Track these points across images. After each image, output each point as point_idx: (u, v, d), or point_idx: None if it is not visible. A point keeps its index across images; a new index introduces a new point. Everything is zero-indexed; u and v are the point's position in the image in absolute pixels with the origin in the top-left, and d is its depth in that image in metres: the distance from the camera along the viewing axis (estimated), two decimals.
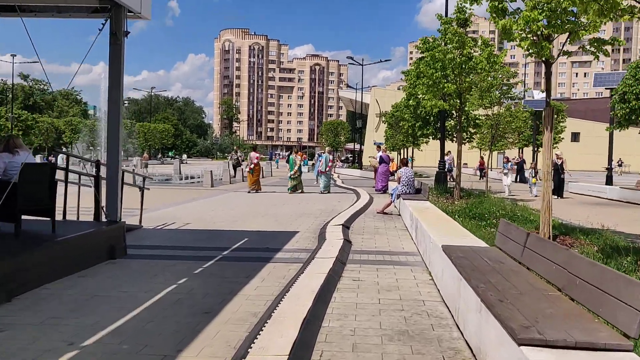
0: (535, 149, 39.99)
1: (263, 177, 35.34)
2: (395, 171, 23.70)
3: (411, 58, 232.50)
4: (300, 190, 21.41)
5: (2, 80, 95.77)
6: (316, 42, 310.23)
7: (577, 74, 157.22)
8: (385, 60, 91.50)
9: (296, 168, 21.63)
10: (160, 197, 18.95)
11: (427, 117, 22.83)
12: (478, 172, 43.32)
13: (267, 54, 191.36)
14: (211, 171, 25.39)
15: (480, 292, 4.25)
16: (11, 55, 56.69)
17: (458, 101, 17.60)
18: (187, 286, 6.44)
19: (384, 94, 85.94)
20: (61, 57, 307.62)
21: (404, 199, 13.07)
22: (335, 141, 64.45)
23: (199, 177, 28.43)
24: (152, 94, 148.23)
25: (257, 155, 21.83)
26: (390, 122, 41.51)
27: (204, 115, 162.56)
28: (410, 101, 22.64)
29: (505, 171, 20.67)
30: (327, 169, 21.89)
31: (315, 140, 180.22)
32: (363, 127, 62.00)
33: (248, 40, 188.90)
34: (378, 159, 26.51)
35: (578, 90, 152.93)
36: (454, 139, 23.59)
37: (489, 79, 15.72)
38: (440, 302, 5.94)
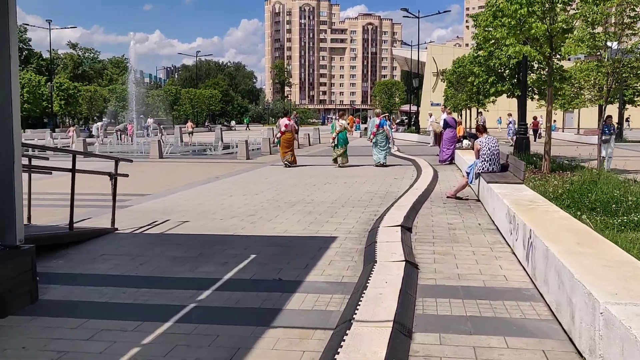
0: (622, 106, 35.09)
1: (310, 144, 31.87)
2: (464, 137, 19.73)
3: (467, 14, 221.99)
4: (338, 164, 17.75)
5: (53, 50, 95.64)
6: (369, 2, 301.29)
7: None
8: (445, 12, 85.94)
9: (334, 135, 17.95)
10: (178, 176, 15.74)
11: (502, 71, 18.67)
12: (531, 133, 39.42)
13: (318, 15, 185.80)
14: (246, 141, 21.99)
15: None
16: (47, 20, 54.58)
17: (548, 48, 13.46)
18: None
19: (442, 51, 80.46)
20: (119, 26, 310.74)
21: (487, 181, 9.26)
22: (390, 103, 60.04)
23: (236, 147, 25.14)
24: (203, 59, 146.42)
25: (287, 122, 18.17)
26: (452, 80, 37.02)
27: (255, 80, 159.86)
28: (481, 52, 18.47)
29: (606, 137, 15.77)
30: (372, 135, 18.09)
31: (369, 103, 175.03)
32: (419, 87, 57.32)
33: (298, 1, 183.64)
34: (442, 123, 22.53)
35: None
36: (534, 96, 19.35)
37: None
38: None
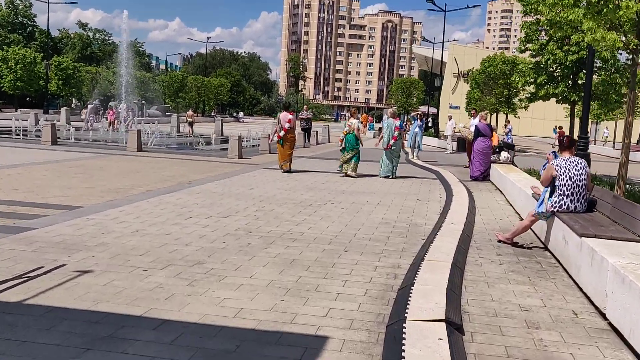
0: None
1: (317, 144, 28.52)
2: (499, 148, 16.24)
3: (489, 18, 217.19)
4: (345, 173, 14.36)
5: (63, 29, 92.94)
6: (389, 1, 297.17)
7: None
8: (474, 6, 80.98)
9: (341, 136, 14.58)
10: (143, 177, 12.38)
11: (554, 70, 15.15)
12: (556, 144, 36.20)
13: (338, 9, 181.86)
14: (239, 136, 18.55)
15: None
16: None
17: (635, 37, 9.97)
18: None
19: (464, 52, 76.76)
20: (139, 11, 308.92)
21: (579, 234, 5.78)
22: (407, 102, 56.39)
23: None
24: (217, 48, 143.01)
25: (291, 117, 14.75)
26: (479, 81, 33.46)
27: (269, 72, 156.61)
28: (530, 45, 14.95)
29: None
30: (393, 140, 14.67)
31: (384, 102, 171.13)
32: (440, 87, 53.69)
33: None
34: (472, 129, 19.02)
35: None
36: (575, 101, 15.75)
37: None
38: None
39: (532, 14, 15.28)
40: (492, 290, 5.37)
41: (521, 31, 15.52)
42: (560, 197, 6.79)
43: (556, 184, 6.91)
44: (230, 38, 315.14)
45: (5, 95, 57.34)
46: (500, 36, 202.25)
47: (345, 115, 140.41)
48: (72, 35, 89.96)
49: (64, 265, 5.49)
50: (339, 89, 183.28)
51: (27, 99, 62.95)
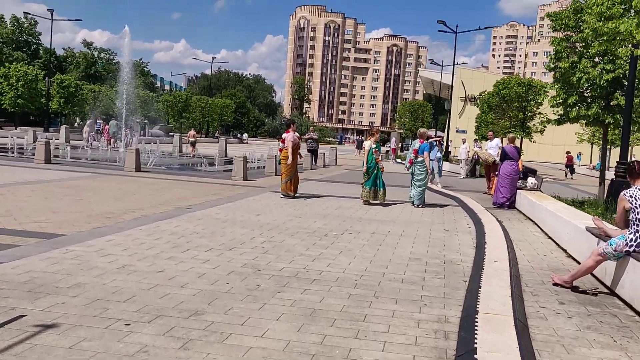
0: None
1: (325, 165, 27.39)
2: (524, 173, 15.08)
3: (494, 43, 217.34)
4: (369, 199, 13.11)
5: (68, 48, 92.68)
6: (394, 26, 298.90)
7: None
8: (485, 28, 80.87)
9: (365, 162, 13.29)
10: (139, 200, 11.19)
11: (584, 90, 14.02)
12: (567, 170, 35.22)
13: (343, 33, 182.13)
14: (244, 157, 17.40)
15: None
16: (48, 10, 50.75)
17: None
18: None
19: (472, 76, 76.07)
20: (146, 33, 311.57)
21: None
22: (415, 125, 55.33)
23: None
24: (222, 69, 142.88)
25: (295, 135, 13.48)
26: (492, 104, 32.41)
27: (274, 95, 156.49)
28: (561, 63, 13.84)
29: None
30: (409, 164, 13.46)
31: (389, 125, 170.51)
32: (449, 110, 52.71)
33: (324, 17, 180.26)
34: (493, 152, 17.94)
35: None
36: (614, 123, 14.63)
37: None
38: None
39: (562, 30, 14.25)
40: (574, 358, 4.14)
41: (550, 46, 14.39)
42: (638, 234, 5.59)
43: (630, 217, 5.72)
44: (235, 60, 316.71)
45: (6, 113, 56.52)
46: (505, 61, 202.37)
47: (348, 138, 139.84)
48: (76, 54, 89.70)
49: (22, 316, 4.29)
50: (344, 112, 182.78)
51: (31, 117, 62.16)
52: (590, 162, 45.85)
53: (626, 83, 13.86)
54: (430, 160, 14.24)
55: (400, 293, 5.58)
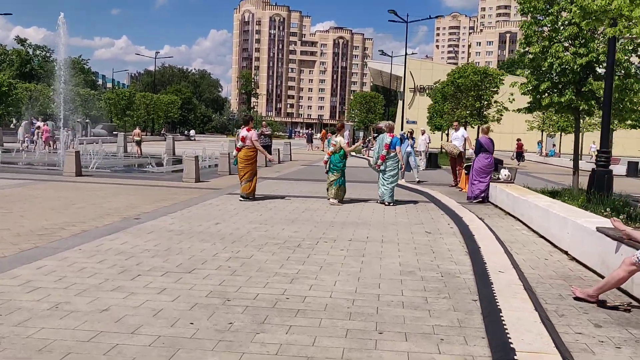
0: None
1: (279, 162, 26.21)
2: (497, 165, 14.39)
3: (438, 34, 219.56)
4: (330, 198, 12.12)
5: (0, 45, 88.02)
6: (339, 18, 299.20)
7: None
8: (436, 17, 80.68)
9: (326, 158, 12.23)
10: (77, 212, 9.72)
11: (555, 76, 13.34)
12: (516, 157, 35.24)
13: (289, 26, 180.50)
14: (196, 157, 16.07)
15: None
16: None
17: None
18: None
19: (420, 66, 76.17)
20: (84, 29, 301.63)
21: None
22: (367, 118, 54.60)
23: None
24: (167, 65, 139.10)
25: (244, 134, 12.22)
26: (447, 93, 31.90)
27: (220, 90, 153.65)
28: (531, 48, 13.11)
29: None
30: (380, 160, 12.44)
31: (337, 118, 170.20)
32: (403, 101, 52.24)
33: (269, 11, 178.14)
34: (459, 143, 17.21)
35: None
36: (594, 110, 14.06)
37: None
38: None
39: (531, 13, 13.52)
40: None
41: (520, 29, 13.64)
42: None
43: None
44: (179, 56, 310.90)
45: None
46: (449, 52, 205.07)
47: (298, 132, 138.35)
48: (9, 51, 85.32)
49: None
50: (292, 105, 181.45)
51: None
52: (543, 150, 46.16)
53: (599, 69, 13.31)
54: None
55: (406, 324, 4.54)
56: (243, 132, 12.26)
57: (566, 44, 13.14)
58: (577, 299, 5.39)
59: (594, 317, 4.91)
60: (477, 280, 5.93)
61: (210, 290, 5.29)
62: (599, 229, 6.34)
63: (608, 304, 5.24)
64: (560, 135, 43.20)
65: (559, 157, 41.30)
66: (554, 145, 47.51)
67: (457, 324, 4.58)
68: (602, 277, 6.22)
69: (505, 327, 4.29)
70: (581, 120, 21.68)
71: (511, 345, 3.89)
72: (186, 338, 4.07)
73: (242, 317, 4.57)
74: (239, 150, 12.21)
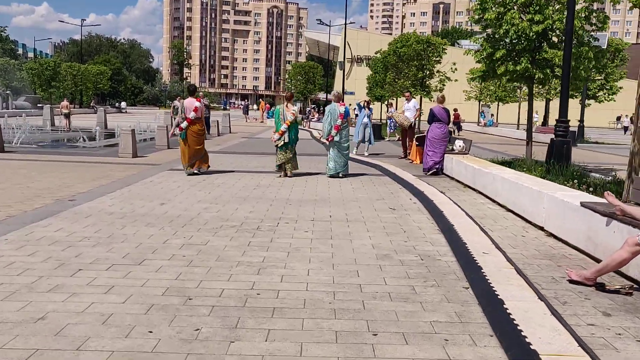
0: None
1: (219, 134, 25.25)
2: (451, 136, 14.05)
3: (372, 5, 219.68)
4: (285, 174, 11.49)
5: None
6: None
7: None
8: None
9: (283, 128, 11.49)
10: (3, 195, 8.64)
11: (510, 44, 12.97)
12: (455, 127, 35.43)
13: None
14: (132, 130, 14.95)
15: None
16: None
17: None
18: None
19: (357, 36, 75.47)
20: None
21: None
22: (307, 88, 53.75)
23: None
24: (94, 34, 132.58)
25: (198, 104, 11.46)
26: (389, 63, 31.50)
27: (151, 60, 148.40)
28: (487, 14, 12.71)
29: None
30: (334, 130, 11.81)
31: (273, 89, 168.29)
32: (331, 75, 51.65)
33: None
34: (410, 114, 16.77)
35: None
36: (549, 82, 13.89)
37: None
38: None
39: None
40: None
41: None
42: None
43: None
44: (107, 25, 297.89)
45: None
46: (384, 22, 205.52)
47: (233, 103, 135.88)
48: None
49: None
50: (226, 76, 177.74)
51: None
52: (481, 120, 46.82)
53: (554, 38, 13.07)
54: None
55: (401, 322, 3.96)
56: (195, 102, 11.34)
57: (521, 11, 12.83)
58: (572, 281, 4.97)
59: (598, 303, 4.48)
60: (461, 263, 5.43)
61: (166, 287, 4.55)
62: (584, 205, 5.95)
63: (607, 287, 4.83)
64: (498, 106, 43.82)
65: (497, 126, 41.91)
66: (492, 115, 48.24)
67: (457, 319, 4.03)
68: (588, 254, 5.87)
69: (514, 321, 3.78)
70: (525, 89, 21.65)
71: (531, 347, 3.38)
72: (146, 352, 3.34)
73: (209, 321, 3.86)
74: (190, 121, 11.27)
